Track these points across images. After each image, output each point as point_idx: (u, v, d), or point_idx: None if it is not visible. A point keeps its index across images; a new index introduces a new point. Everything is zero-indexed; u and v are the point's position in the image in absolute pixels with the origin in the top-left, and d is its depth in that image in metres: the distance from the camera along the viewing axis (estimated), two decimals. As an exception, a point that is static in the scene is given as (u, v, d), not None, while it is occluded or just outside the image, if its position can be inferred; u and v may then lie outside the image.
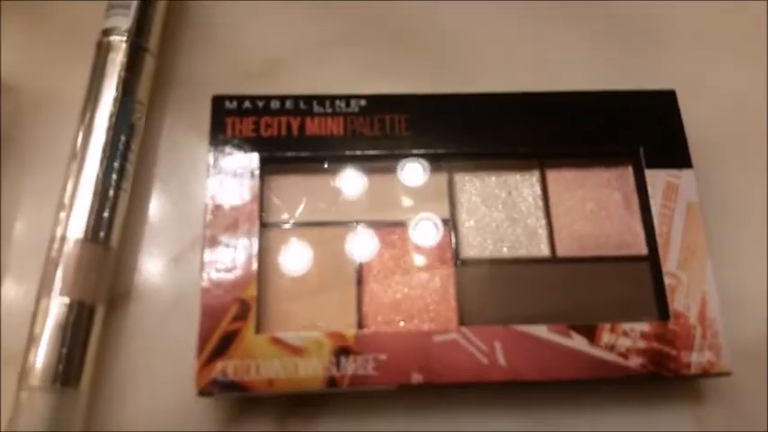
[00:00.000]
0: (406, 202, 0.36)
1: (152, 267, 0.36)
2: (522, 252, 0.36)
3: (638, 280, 0.36)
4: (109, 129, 0.35)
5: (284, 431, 0.33)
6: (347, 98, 0.37)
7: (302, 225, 0.36)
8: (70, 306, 0.32)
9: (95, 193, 0.34)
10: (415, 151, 0.37)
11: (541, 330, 0.33)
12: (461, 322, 0.34)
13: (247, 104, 0.37)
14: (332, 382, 0.32)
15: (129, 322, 0.35)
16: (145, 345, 0.35)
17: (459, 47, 0.42)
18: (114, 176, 0.35)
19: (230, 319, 0.32)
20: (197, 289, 0.33)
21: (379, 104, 0.37)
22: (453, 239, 0.36)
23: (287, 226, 0.36)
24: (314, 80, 0.41)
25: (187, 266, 0.36)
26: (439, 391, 0.34)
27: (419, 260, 0.35)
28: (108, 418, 0.33)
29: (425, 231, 0.36)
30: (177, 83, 0.40)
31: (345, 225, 0.36)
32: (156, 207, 0.38)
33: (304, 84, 0.40)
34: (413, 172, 0.37)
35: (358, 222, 0.36)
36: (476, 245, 0.36)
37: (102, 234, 0.34)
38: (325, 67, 0.41)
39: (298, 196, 0.36)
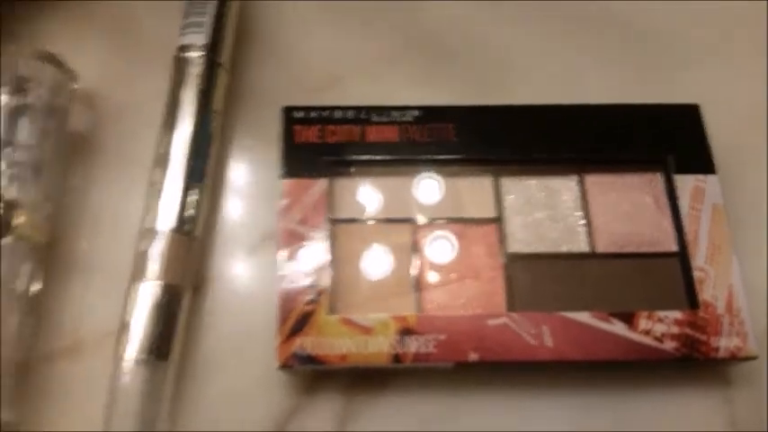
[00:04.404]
0: (456, 201, 0.40)
1: (229, 257, 0.40)
2: (563, 248, 0.40)
3: (670, 274, 0.39)
4: (190, 136, 0.39)
5: (351, 402, 0.37)
6: (402, 109, 0.41)
7: (363, 221, 0.39)
8: (162, 289, 0.35)
9: (181, 191, 0.38)
10: (463, 157, 0.40)
11: (585, 316, 0.36)
12: (510, 310, 0.37)
13: (313, 114, 0.41)
14: (397, 358, 0.35)
15: (211, 305, 0.38)
16: (225, 325, 0.38)
17: (502, 63, 0.46)
18: (196, 177, 0.39)
19: (305, 302, 0.36)
20: (269, 275, 0.38)
21: (430, 114, 0.41)
22: (501, 236, 0.39)
23: (350, 222, 0.39)
24: (368, 93, 0.44)
25: (260, 256, 0.40)
26: (491, 370, 0.37)
27: (471, 254, 0.39)
28: (194, 388, 0.37)
29: (474, 229, 0.39)
30: (245, 94, 0.44)
31: (402, 221, 0.39)
32: (230, 204, 0.41)
33: (359, 97, 0.43)
34: (460, 175, 0.41)
35: (413, 219, 0.39)
36: (521, 241, 0.40)
37: (187, 226, 0.37)
38: (378, 81, 0.45)
39: (359, 195, 0.40)
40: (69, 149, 0.41)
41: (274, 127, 0.41)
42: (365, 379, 0.37)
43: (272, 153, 0.41)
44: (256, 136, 0.43)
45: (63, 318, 0.38)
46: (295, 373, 0.37)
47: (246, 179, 0.42)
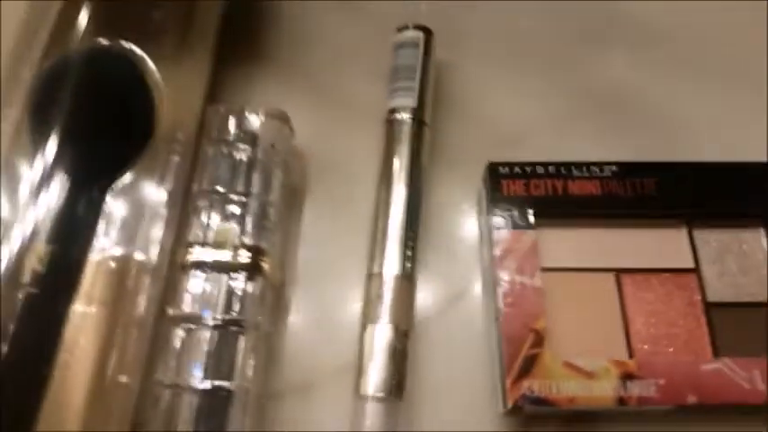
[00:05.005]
0: (655, 252, 0.42)
1: (442, 300, 0.43)
2: (757, 297, 0.41)
3: None
4: (405, 190, 0.43)
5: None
6: (601, 164, 0.44)
7: (571, 269, 0.42)
8: (392, 330, 0.39)
9: (401, 239, 0.41)
10: (662, 211, 0.43)
11: (791, 362, 0.38)
12: (716, 355, 0.39)
13: (517, 169, 0.44)
14: (621, 401, 0.37)
15: (426, 347, 0.42)
16: (441, 366, 0.41)
17: (672, 120, 0.49)
18: (413, 227, 0.42)
19: (528, 346, 0.38)
20: (478, 319, 0.42)
21: (628, 170, 0.44)
22: (700, 285, 0.41)
23: (560, 270, 0.42)
24: (551, 150, 0.47)
25: (468, 301, 0.43)
26: (698, 411, 0.39)
27: (673, 301, 0.41)
28: (420, 426, 0.39)
29: (673, 278, 0.42)
30: (438, 149, 0.48)
31: (609, 270, 0.42)
32: (437, 251, 0.44)
33: (540, 153, 0.46)
34: (658, 227, 0.43)
35: (619, 269, 0.42)
36: (718, 290, 0.42)
37: (408, 272, 0.40)
38: (559, 138, 0.48)
39: (566, 245, 0.42)
40: (289, 200, 0.44)
41: (462, 179, 0.46)
42: (576, 420, 0.39)
43: (460, 202, 0.46)
44: (452, 188, 0.46)
45: (292, 356, 0.41)
46: (513, 414, 0.39)
47: (446, 227, 0.45)
